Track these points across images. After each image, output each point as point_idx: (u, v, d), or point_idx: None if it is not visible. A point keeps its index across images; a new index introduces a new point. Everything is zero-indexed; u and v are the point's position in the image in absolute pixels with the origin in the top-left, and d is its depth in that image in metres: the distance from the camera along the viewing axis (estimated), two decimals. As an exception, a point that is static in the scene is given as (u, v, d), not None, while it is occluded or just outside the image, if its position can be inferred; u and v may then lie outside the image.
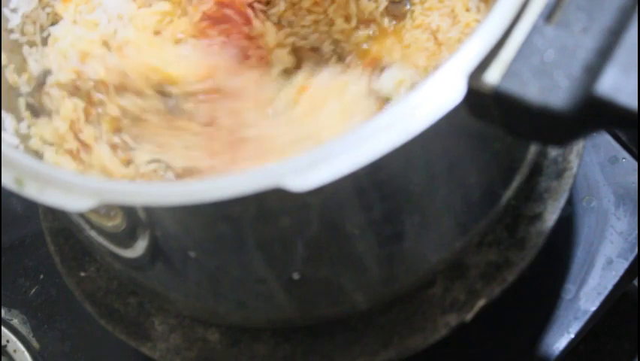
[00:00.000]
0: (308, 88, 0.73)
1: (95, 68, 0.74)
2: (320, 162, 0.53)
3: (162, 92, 0.72)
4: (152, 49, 0.74)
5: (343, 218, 0.60)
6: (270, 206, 0.57)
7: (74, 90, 0.75)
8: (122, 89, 0.73)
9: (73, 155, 0.74)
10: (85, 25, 0.77)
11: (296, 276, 0.64)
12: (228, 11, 0.76)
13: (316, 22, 0.76)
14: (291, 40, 0.76)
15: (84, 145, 0.73)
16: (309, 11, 0.76)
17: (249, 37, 0.76)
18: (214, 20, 0.76)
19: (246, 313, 0.70)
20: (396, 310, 0.73)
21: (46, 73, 0.75)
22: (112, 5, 0.77)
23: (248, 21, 0.76)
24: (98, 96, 0.74)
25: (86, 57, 0.75)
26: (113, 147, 0.73)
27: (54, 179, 0.56)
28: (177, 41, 0.76)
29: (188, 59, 0.73)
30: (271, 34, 0.75)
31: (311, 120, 0.70)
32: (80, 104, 0.74)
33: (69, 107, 0.73)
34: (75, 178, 0.56)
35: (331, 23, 0.77)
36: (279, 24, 0.76)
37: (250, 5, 0.76)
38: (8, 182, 0.57)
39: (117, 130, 0.74)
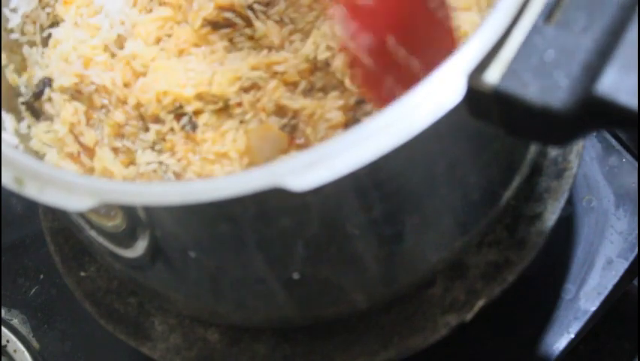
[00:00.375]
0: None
1: (99, 74, 0.74)
2: (320, 161, 0.53)
3: (175, 112, 0.72)
4: (160, 71, 0.74)
5: (343, 218, 0.60)
6: (269, 206, 0.57)
7: (76, 94, 0.75)
8: (139, 118, 0.73)
9: (74, 158, 0.74)
10: (86, 29, 0.77)
11: (296, 276, 0.64)
12: (229, 14, 0.76)
13: (318, 18, 0.76)
14: (296, 37, 0.76)
15: (85, 148, 0.73)
16: (310, 8, 0.76)
17: (252, 39, 0.76)
18: (215, 25, 0.76)
19: (245, 313, 0.70)
20: (396, 310, 0.72)
21: (45, 82, 0.75)
22: (114, 9, 0.77)
23: (249, 23, 0.76)
24: (100, 100, 0.74)
25: (89, 62, 0.75)
26: (115, 150, 0.73)
27: (54, 179, 0.56)
28: (181, 52, 0.76)
29: (195, 72, 0.73)
30: (275, 33, 0.75)
31: None
32: (81, 107, 0.74)
33: (69, 111, 0.73)
34: (75, 178, 0.56)
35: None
36: (280, 22, 0.76)
37: (250, 7, 0.76)
38: (8, 182, 0.57)
39: (119, 135, 0.74)
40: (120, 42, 0.77)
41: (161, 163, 0.72)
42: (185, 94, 0.72)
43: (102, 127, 0.74)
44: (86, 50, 0.75)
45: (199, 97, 0.72)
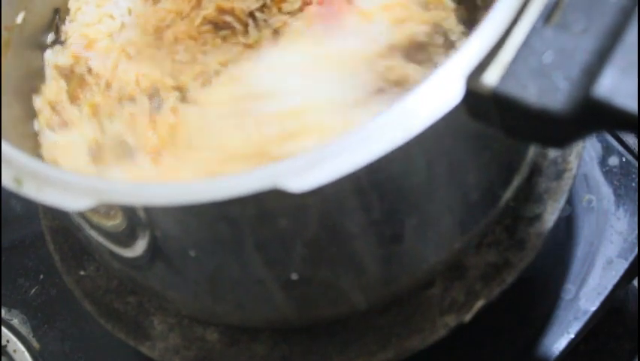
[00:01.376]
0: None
1: (97, 58, 0.75)
2: (319, 162, 0.53)
3: (150, 94, 0.73)
4: (147, 58, 0.74)
5: (342, 219, 0.60)
6: (268, 207, 0.57)
7: (70, 74, 0.76)
8: (118, 99, 0.74)
9: (51, 126, 0.74)
10: (97, 14, 0.78)
11: (294, 276, 0.63)
12: (228, 18, 0.76)
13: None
14: None
15: (64, 122, 0.74)
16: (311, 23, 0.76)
17: (246, 46, 0.76)
18: (215, 25, 0.77)
19: (244, 314, 0.70)
20: (394, 311, 0.72)
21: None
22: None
23: (247, 29, 0.76)
24: (91, 81, 0.75)
25: (92, 45, 0.76)
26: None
27: (53, 178, 0.56)
28: (176, 40, 0.76)
29: (181, 63, 0.74)
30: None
31: None
32: (64, 87, 0.75)
33: (52, 89, 0.74)
34: (74, 177, 0.56)
35: None
36: (276, 33, 0.76)
37: (251, 13, 0.76)
38: (7, 181, 0.58)
39: (96, 115, 0.74)
40: (122, 30, 0.78)
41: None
42: (165, 81, 0.73)
43: (82, 107, 0.75)
44: (92, 33, 0.77)
45: (178, 88, 0.73)
